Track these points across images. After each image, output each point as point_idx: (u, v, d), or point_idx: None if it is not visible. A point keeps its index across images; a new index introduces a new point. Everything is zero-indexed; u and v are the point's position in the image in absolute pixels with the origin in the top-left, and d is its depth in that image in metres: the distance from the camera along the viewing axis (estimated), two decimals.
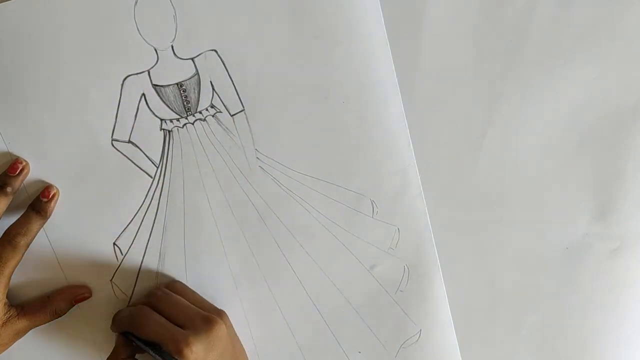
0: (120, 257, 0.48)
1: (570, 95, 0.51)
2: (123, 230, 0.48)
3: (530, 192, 0.53)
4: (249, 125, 0.47)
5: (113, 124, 0.45)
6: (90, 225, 0.47)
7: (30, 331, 0.47)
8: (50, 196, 0.45)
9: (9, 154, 0.45)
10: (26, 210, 0.45)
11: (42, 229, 0.46)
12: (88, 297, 0.48)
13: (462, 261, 0.54)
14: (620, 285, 0.57)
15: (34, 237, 0.45)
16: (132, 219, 0.48)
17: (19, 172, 0.44)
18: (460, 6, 0.48)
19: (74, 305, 0.47)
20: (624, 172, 0.54)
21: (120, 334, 0.46)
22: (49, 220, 0.46)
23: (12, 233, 0.44)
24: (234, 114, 0.47)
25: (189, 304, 0.46)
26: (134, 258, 0.48)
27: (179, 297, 0.46)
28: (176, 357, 0.42)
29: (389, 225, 0.52)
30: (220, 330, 0.44)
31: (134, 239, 0.48)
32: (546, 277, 0.56)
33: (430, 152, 0.51)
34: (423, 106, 0.50)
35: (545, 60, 0.50)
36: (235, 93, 0.47)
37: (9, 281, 0.44)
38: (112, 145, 0.46)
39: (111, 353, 0.46)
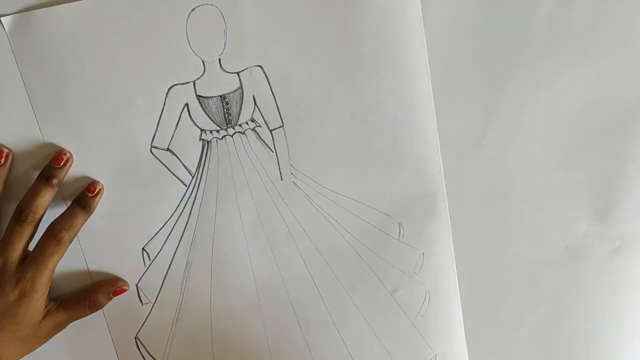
0: (147, 262, 0.48)
1: (570, 95, 0.51)
2: (153, 237, 0.48)
3: (530, 192, 0.53)
4: (286, 141, 0.48)
5: (154, 131, 0.46)
6: (122, 228, 0.47)
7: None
8: (96, 192, 0.45)
9: (50, 145, 0.45)
10: (70, 205, 0.45)
11: None
12: (126, 290, 0.48)
13: (461, 261, 0.53)
14: (621, 285, 0.56)
15: (77, 232, 0.45)
16: (163, 226, 0.48)
17: (63, 164, 0.44)
18: (460, 6, 0.48)
19: (112, 298, 0.47)
20: (624, 172, 0.54)
21: None
22: None
23: (57, 228, 0.44)
24: (273, 129, 0.48)
25: None
26: (161, 265, 0.49)
27: None
28: None
29: (414, 249, 0.52)
30: None
31: (162, 246, 0.48)
32: (546, 277, 0.55)
33: None
34: None
35: (545, 60, 0.50)
36: (276, 109, 0.47)
37: (52, 275, 0.45)
38: (151, 152, 0.46)
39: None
